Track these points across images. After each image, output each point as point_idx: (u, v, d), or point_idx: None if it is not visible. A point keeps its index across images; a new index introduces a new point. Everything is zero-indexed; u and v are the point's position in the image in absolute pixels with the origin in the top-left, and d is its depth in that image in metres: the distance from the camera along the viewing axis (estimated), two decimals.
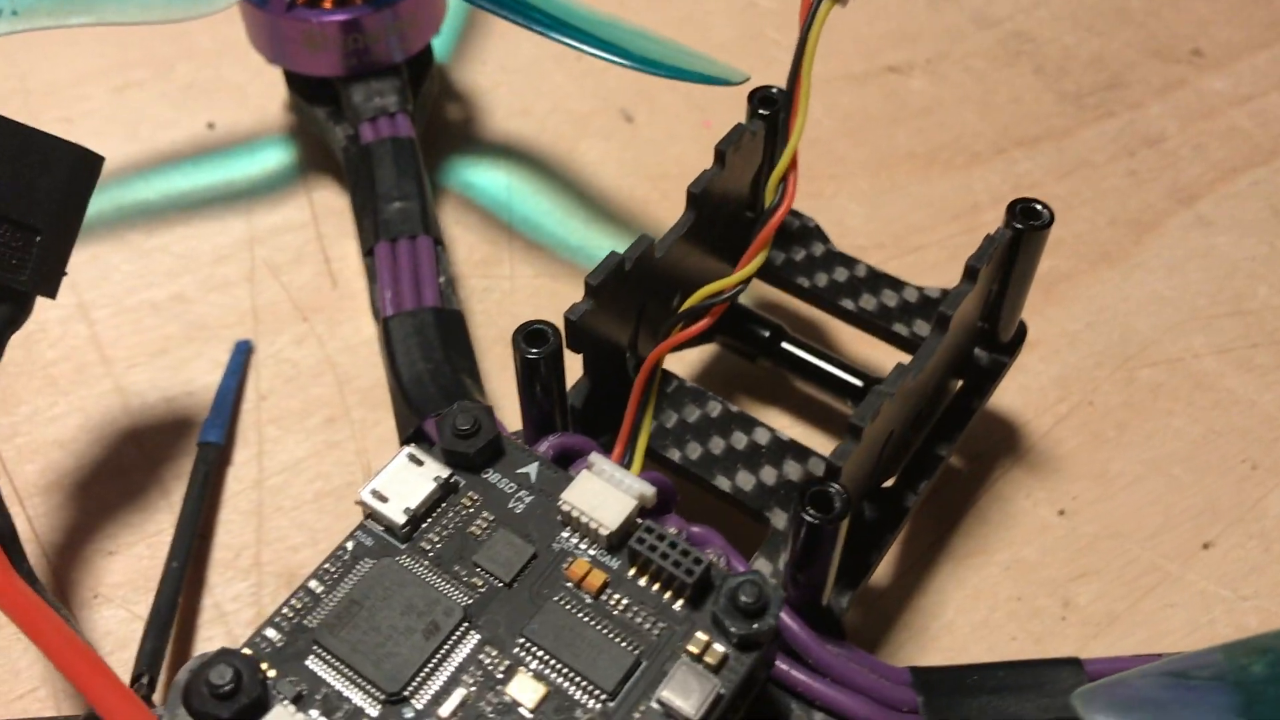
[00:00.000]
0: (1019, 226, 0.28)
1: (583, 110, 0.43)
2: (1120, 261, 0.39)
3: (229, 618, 0.30)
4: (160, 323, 0.36)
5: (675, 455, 0.29)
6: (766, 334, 0.33)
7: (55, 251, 0.28)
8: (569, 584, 0.23)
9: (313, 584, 0.23)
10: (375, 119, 0.36)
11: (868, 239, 0.39)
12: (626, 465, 0.25)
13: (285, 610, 0.23)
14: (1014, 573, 0.31)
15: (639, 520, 0.23)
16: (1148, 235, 0.39)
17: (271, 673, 0.22)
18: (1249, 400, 0.35)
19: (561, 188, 0.40)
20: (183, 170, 0.40)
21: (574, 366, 0.27)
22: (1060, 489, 0.33)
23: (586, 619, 0.23)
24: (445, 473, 0.24)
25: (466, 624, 0.22)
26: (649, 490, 0.24)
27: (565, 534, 0.24)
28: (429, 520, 0.24)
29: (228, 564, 0.31)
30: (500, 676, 0.22)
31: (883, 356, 0.35)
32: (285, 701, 0.21)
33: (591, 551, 0.23)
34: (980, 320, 0.30)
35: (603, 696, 0.22)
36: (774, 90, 0.31)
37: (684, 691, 0.21)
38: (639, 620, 0.23)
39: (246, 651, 0.22)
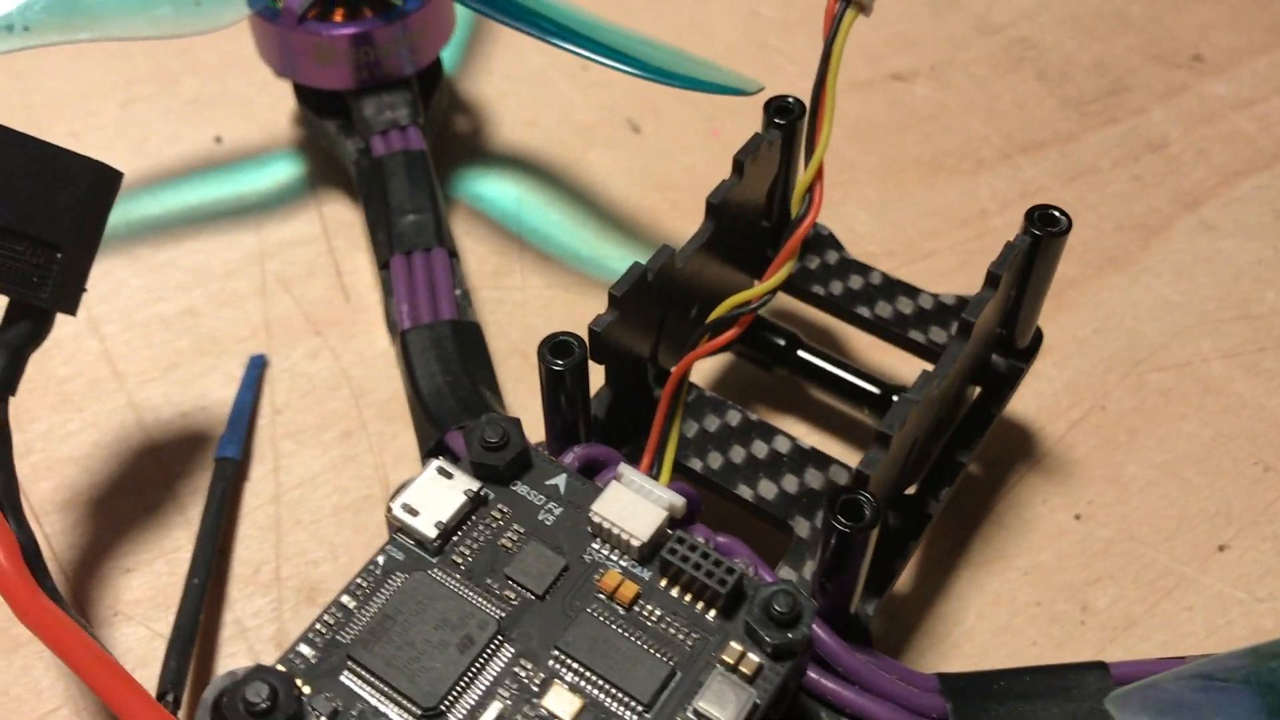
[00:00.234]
0: (1037, 233, 0.28)
1: (590, 120, 0.43)
2: (1127, 266, 0.39)
3: (250, 634, 0.30)
4: (172, 337, 0.36)
5: (697, 465, 0.29)
6: (782, 342, 0.33)
7: (75, 268, 0.28)
8: (601, 595, 0.23)
9: (345, 599, 0.23)
10: (386, 132, 0.36)
11: (878, 246, 0.39)
12: (655, 476, 0.25)
13: (319, 626, 0.23)
14: (1032, 578, 0.32)
15: (669, 531, 0.24)
16: (1154, 240, 0.40)
17: (306, 690, 0.22)
18: (1258, 404, 0.35)
19: (570, 199, 0.40)
20: (191, 184, 0.40)
21: (594, 376, 0.27)
22: (1076, 493, 0.33)
23: (620, 630, 0.23)
24: (475, 486, 0.24)
25: (500, 637, 0.22)
26: (679, 501, 0.24)
27: (596, 545, 0.24)
28: (459, 533, 0.24)
29: (247, 580, 0.31)
30: (536, 689, 0.22)
31: (897, 363, 0.35)
32: (321, 718, 0.21)
33: (623, 563, 0.24)
34: (998, 327, 0.31)
35: (639, 708, 0.22)
36: (790, 100, 0.31)
37: (720, 702, 0.22)
38: (672, 631, 0.23)
39: (281, 668, 0.22)
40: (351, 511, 0.32)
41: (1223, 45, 0.46)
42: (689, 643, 0.22)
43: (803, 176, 0.24)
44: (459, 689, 0.22)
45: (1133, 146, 0.43)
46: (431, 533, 0.23)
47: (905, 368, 0.36)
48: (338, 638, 0.23)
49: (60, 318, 0.28)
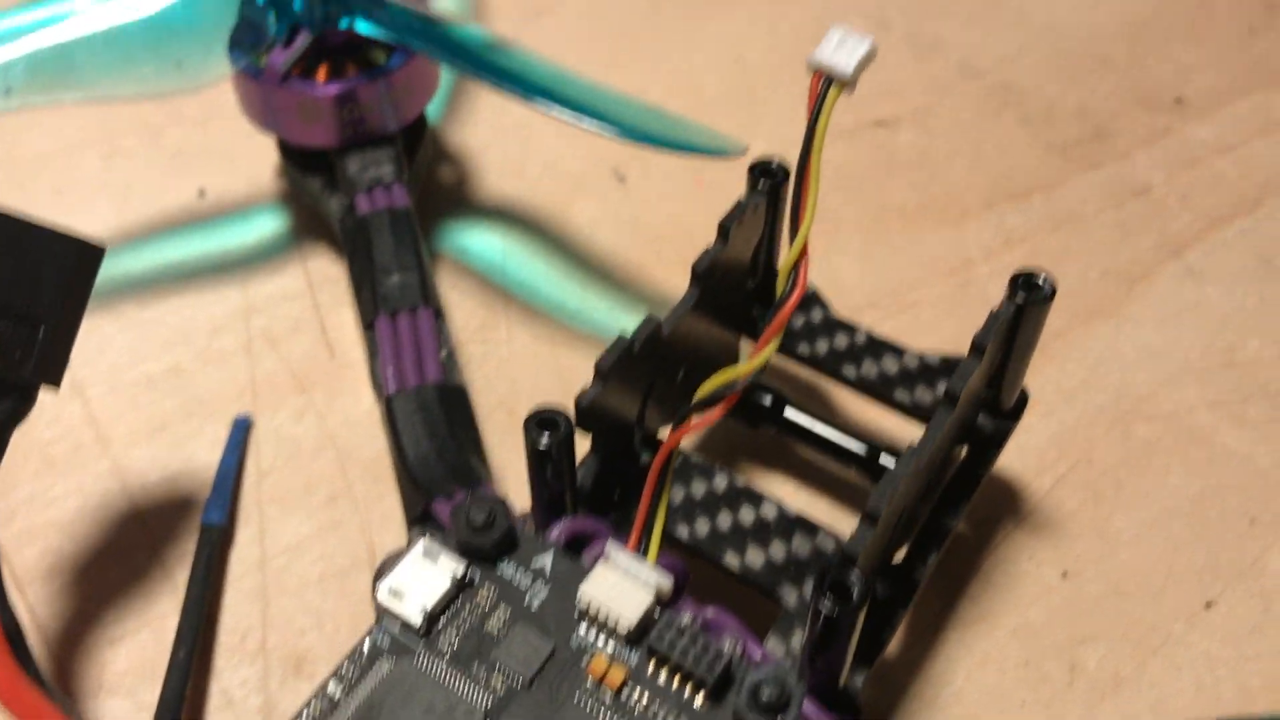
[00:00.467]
0: (1021, 300, 0.28)
1: (575, 170, 0.43)
2: (1112, 315, 0.39)
3: (236, 705, 0.30)
4: (157, 398, 0.36)
5: (684, 533, 0.29)
6: (769, 401, 0.33)
7: (59, 342, 0.28)
8: (589, 681, 0.23)
9: (330, 687, 0.23)
10: (371, 189, 0.36)
11: (863, 297, 0.39)
12: (642, 553, 0.25)
13: (304, 717, 0.23)
14: (1021, 637, 0.32)
15: (657, 612, 0.23)
16: (1138, 287, 0.40)
17: None
18: (1244, 455, 0.35)
19: (556, 250, 0.40)
20: (175, 239, 0.40)
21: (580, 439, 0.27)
22: (1063, 550, 0.33)
23: (609, 718, 0.22)
24: (461, 568, 0.24)
25: None
26: (666, 582, 0.24)
27: (583, 629, 0.24)
28: (445, 616, 0.24)
29: (234, 648, 0.31)
30: None
31: (885, 420, 0.36)
32: None
33: (610, 647, 0.23)
34: (984, 388, 0.31)
35: None
36: (774, 163, 0.31)
37: None
38: (661, 716, 0.23)
39: None
40: (338, 579, 0.32)
41: (1204, 87, 0.47)
42: None
43: (787, 256, 0.24)
44: None
45: (1116, 192, 0.43)
46: (417, 618, 0.23)
47: (893, 424, 0.36)
48: None
49: None
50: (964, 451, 0.32)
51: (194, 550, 0.32)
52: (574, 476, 0.27)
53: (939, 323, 0.39)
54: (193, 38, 0.35)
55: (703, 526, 0.29)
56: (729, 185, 0.30)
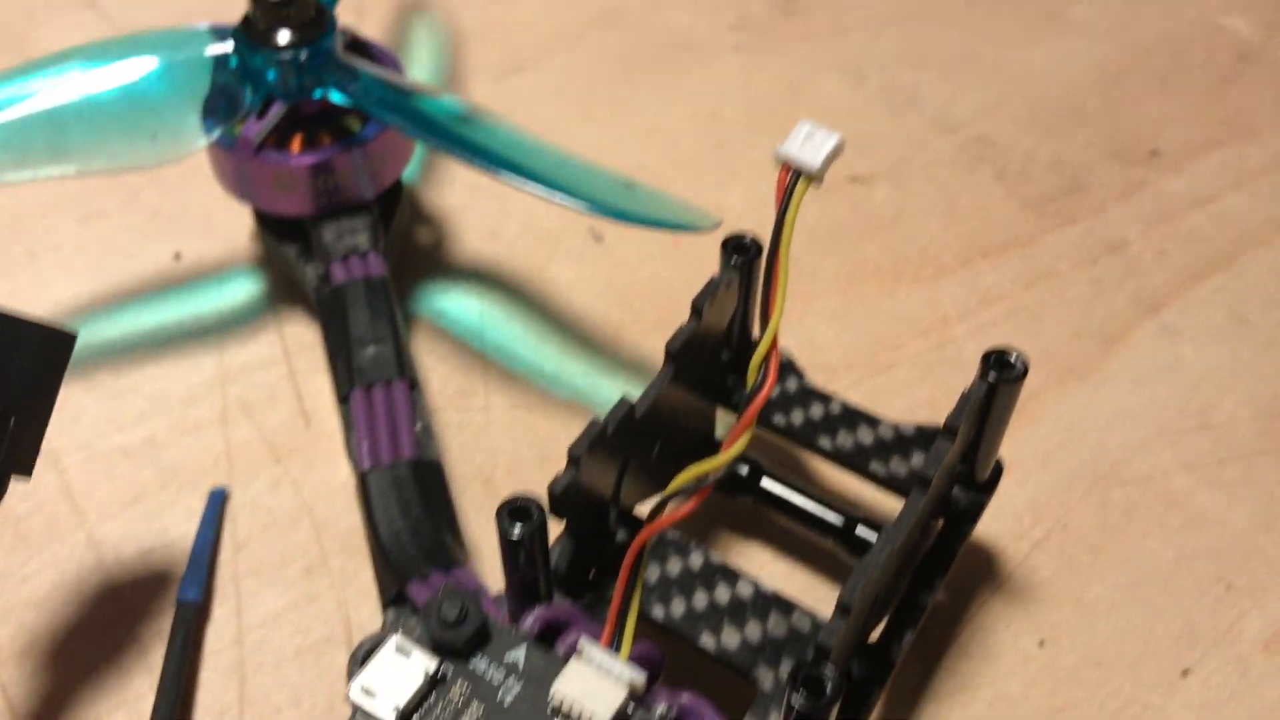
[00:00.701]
0: (993, 379, 0.29)
1: (552, 230, 0.43)
2: (1088, 375, 0.39)
3: None
4: (133, 469, 0.36)
5: (659, 613, 0.29)
6: (745, 471, 0.33)
7: (30, 431, 0.27)
8: None
9: None
10: (346, 258, 0.36)
11: (838, 358, 0.39)
12: (615, 648, 0.25)
13: None
14: (998, 709, 0.32)
15: (630, 709, 0.23)
16: (1114, 347, 0.40)
17: None
18: (1219, 519, 0.35)
19: (534, 313, 0.40)
20: (151, 305, 0.40)
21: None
22: (1040, 618, 0.33)
23: None
24: (434, 665, 0.24)
25: None
26: (640, 678, 0.24)
27: None
28: (418, 715, 0.24)
29: None
30: None
31: (863, 487, 0.36)
32: None
33: None
34: (958, 463, 0.31)
35: None
36: (746, 238, 0.31)
37: None
38: None
39: None
40: (314, 654, 0.32)
41: (1179, 140, 0.47)
42: None
43: (758, 350, 0.24)
44: None
45: (1092, 247, 0.43)
46: (390, 717, 0.23)
47: (870, 490, 0.36)
48: None
49: None
50: (940, 524, 0.32)
51: (170, 627, 0.32)
52: (548, 563, 0.27)
53: (915, 385, 0.39)
54: (166, 110, 0.35)
55: (678, 606, 0.29)
56: (707, 245, 0.30)
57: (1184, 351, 0.40)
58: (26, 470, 0.28)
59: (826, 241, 0.43)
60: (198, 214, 0.43)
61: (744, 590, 0.29)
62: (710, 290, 0.30)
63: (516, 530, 0.25)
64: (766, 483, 0.33)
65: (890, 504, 0.35)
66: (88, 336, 0.39)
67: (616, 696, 0.23)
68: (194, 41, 0.36)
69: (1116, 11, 0.52)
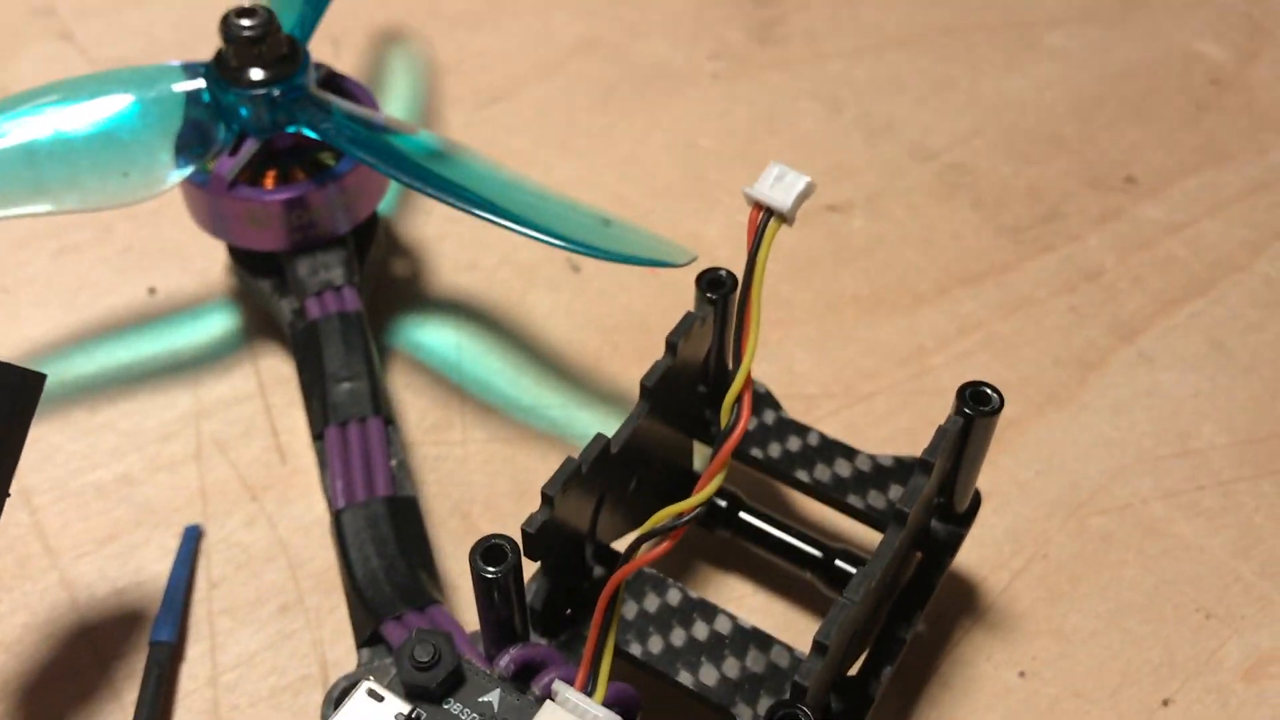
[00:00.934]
0: (969, 412, 0.28)
1: (530, 260, 0.43)
2: (1067, 403, 0.39)
3: None
4: (107, 507, 0.36)
5: (637, 650, 0.29)
6: (724, 504, 0.33)
7: None
8: None
9: None
10: (321, 293, 0.36)
11: (818, 387, 0.39)
12: (590, 691, 0.25)
13: None
14: None
15: None
16: (1092, 374, 0.40)
17: None
18: (1198, 546, 0.35)
19: (512, 344, 0.40)
20: (125, 340, 0.40)
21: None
22: (1020, 649, 0.33)
23: None
24: (406, 709, 0.24)
25: None
26: None
27: None
28: None
29: None
30: None
31: (842, 518, 0.35)
32: None
33: None
34: (936, 496, 0.31)
35: None
36: (722, 272, 0.31)
37: None
38: None
39: None
40: (290, 693, 0.32)
41: (1154, 166, 0.47)
42: None
43: (730, 390, 0.24)
44: None
45: (1069, 275, 0.43)
46: None
47: (849, 522, 0.35)
48: None
49: None
50: (919, 557, 0.32)
51: (143, 668, 0.32)
52: (523, 602, 0.27)
53: (894, 414, 0.39)
54: (139, 148, 0.34)
55: (656, 643, 0.29)
56: (686, 274, 0.30)
57: (1161, 378, 0.40)
58: None
59: (804, 271, 0.43)
60: (172, 249, 0.43)
61: (722, 625, 0.29)
62: (685, 326, 0.30)
63: (490, 570, 0.25)
64: (745, 516, 0.33)
65: (869, 535, 0.35)
66: (61, 373, 0.39)
67: None
68: (166, 78, 0.36)
69: (1092, 39, 0.53)
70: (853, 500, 0.32)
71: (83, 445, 0.37)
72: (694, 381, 0.32)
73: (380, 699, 0.24)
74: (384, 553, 0.30)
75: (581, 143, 0.47)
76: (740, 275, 0.25)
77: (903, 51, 0.52)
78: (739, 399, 0.24)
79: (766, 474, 0.33)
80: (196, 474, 0.36)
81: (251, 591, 0.34)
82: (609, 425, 0.28)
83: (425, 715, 0.24)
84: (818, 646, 0.24)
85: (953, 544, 0.31)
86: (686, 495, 0.25)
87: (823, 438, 0.33)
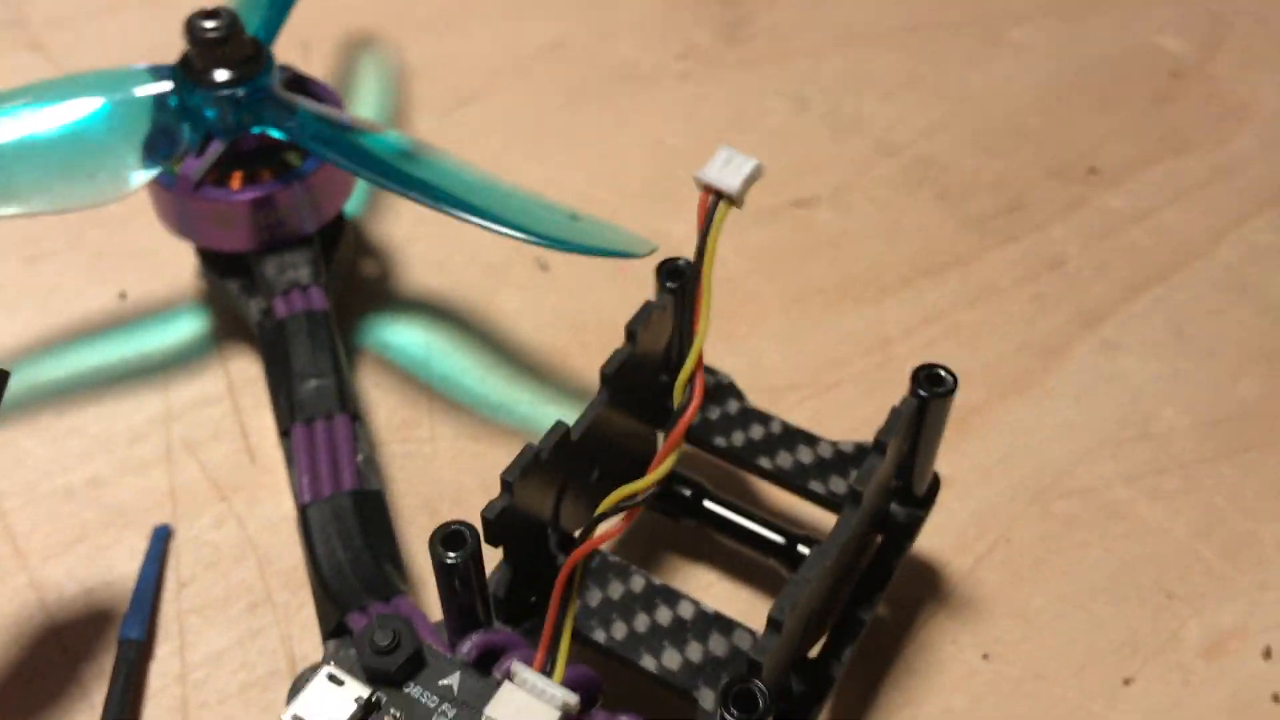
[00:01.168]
0: (924, 394, 0.29)
1: (498, 260, 0.43)
2: (1030, 389, 0.39)
3: None
4: (76, 509, 0.36)
5: (600, 636, 0.29)
6: (688, 493, 0.34)
7: None
8: None
9: None
10: (288, 292, 0.36)
11: (784, 379, 0.40)
12: (549, 671, 0.25)
13: None
14: None
15: None
16: (1055, 361, 0.40)
17: None
18: (1160, 528, 0.36)
19: (480, 343, 0.41)
20: (95, 344, 0.40)
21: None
22: (983, 631, 0.34)
23: None
24: (366, 692, 0.24)
25: None
26: (572, 699, 0.24)
27: None
28: None
29: None
30: None
31: (806, 506, 0.36)
32: None
33: None
34: (894, 479, 0.31)
35: None
36: (681, 262, 0.31)
37: None
38: None
39: None
40: (259, 689, 0.32)
41: (1117, 156, 0.48)
42: None
43: (683, 370, 0.24)
44: None
45: (1033, 264, 0.43)
46: None
47: (813, 510, 0.36)
48: None
49: None
50: (880, 539, 0.32)
51: (112, 667, 0.32)
52: (485, 588, 0.27)
53: (859, 404, 0.39)
54: (106, 150, 0.35)
55: (619, 629, 0.29)
56: (651, 273, 0.31)
57: (1124, 364, 0.40)
58: None
59: (771, 264, 0.43)
60: (143, 253, 0.43)
61: (685, 611, 0.29)
62: (645, 314, 0.30)
63: (450, 556, 0.25)
64: (709, 504, 0.33)
65: (832, 522, 0.35)
66: (31, 378, 0.39)
67: (549, 718, 0.23)
68: (133, 81, 0.36)
69: (1055, 33, 0.53)
70: (814, 486, 0.32)
71: (52, 450, 0.37)
72: (656, 372, 0.33)
73: (340, 683, 0.24)
74: (350, 545, 0.31)
75: (551, 143, 0.48)
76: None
77: (869, 49, 0.52)
78: (691, 379, 0.24)
79: (730, 462, 0.33)
80: (166, 476, 0.37)
81: (220, 590, 0.34)
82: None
83: (386, 699, 0.24)
84: (772, 623, 0.24)
85: (912, 526, 0.32)
86: None
87: (785, 425, 0.33)
